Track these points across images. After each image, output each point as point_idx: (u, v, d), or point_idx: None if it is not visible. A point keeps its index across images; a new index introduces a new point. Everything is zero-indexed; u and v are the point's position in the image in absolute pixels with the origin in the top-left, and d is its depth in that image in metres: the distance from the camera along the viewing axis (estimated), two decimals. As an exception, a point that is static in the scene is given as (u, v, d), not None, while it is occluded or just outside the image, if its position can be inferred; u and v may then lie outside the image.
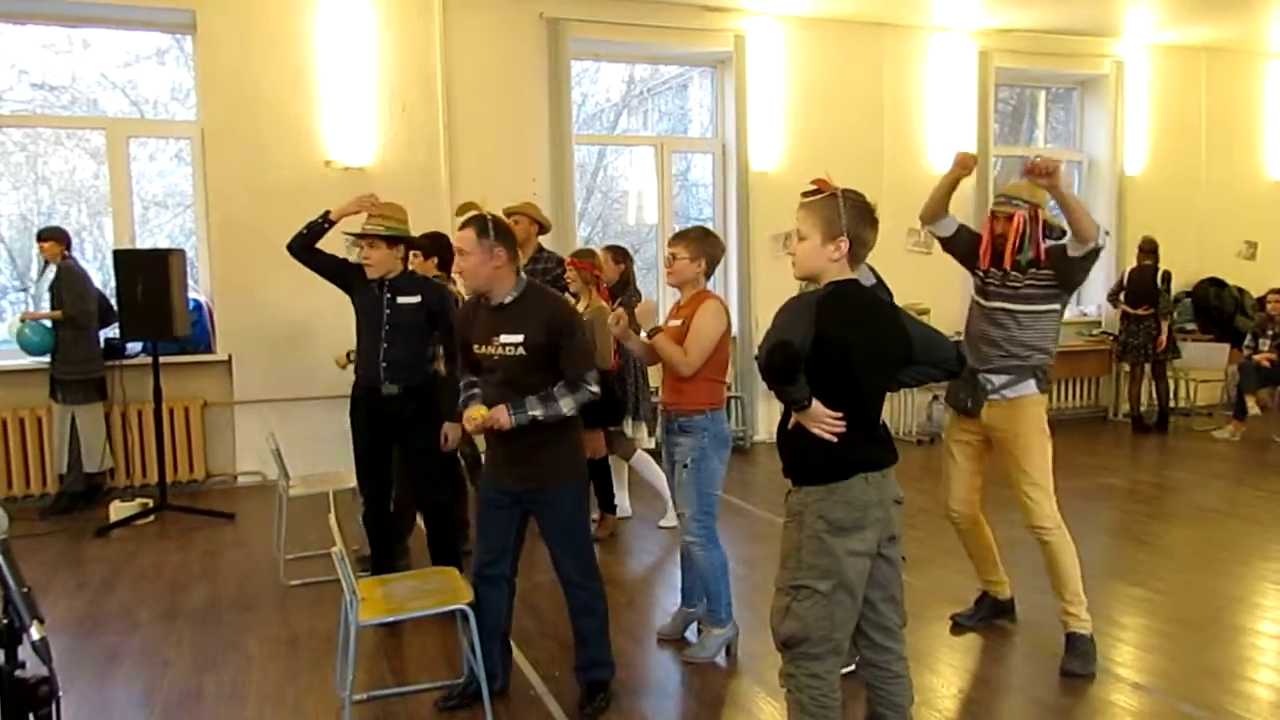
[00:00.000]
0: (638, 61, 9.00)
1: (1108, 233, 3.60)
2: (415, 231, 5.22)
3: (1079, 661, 3.58)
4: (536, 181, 7.38)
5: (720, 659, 3.76)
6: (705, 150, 8.61)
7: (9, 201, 7.35)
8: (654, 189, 8.43)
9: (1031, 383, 3.65)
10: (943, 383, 3.63)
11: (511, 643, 3.51)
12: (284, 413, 6.74)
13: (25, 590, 1.57)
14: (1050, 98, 10.28)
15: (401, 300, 4.10)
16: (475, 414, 3.11)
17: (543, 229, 6.02)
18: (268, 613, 4.38)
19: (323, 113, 6.95)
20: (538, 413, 3.07)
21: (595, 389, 3.12)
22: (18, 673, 1.56)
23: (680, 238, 3.66)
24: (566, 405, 3.10)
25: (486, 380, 3.25)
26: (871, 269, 2.82)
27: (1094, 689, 3.48)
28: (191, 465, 6.71)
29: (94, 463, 6.23)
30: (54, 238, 6.15)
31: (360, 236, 4.10)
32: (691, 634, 3.96)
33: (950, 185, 3.73)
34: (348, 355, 5.05)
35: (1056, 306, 3.66)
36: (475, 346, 3.23)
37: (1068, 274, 3.58)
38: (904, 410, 8.61)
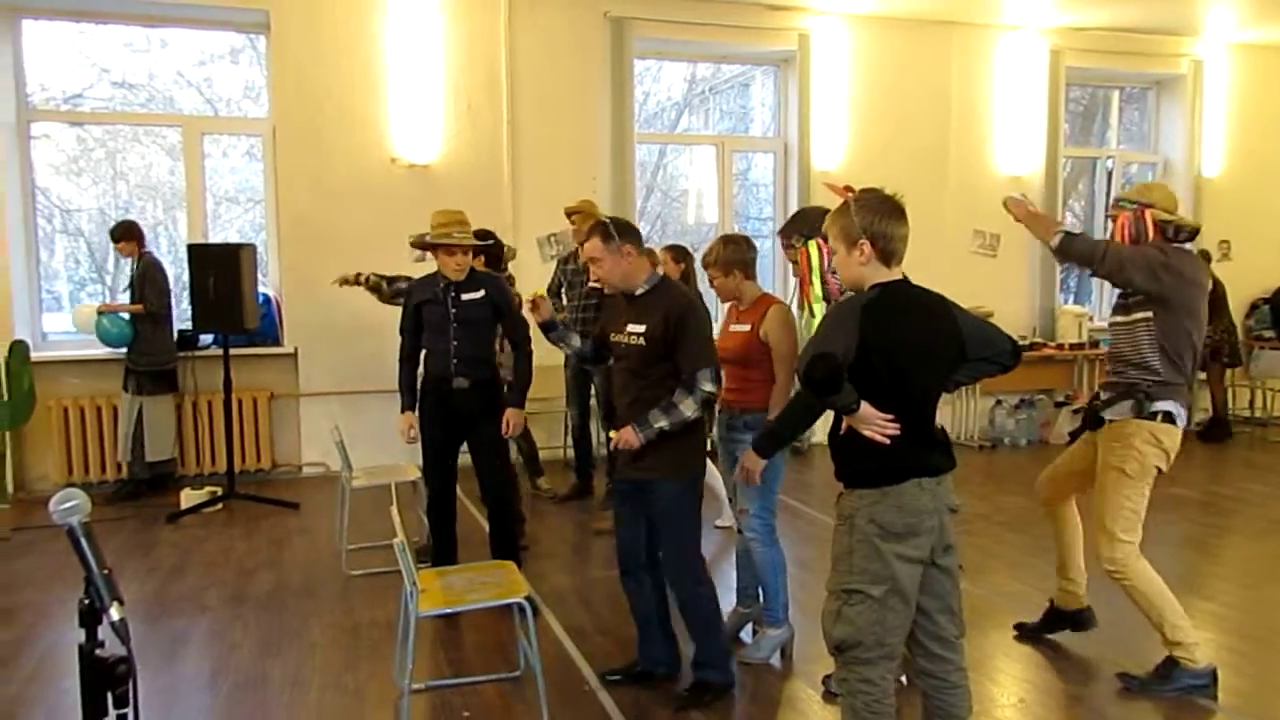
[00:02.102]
0: (701, 60, 8.99)
1: (1067, 231, 3.46)
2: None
3: (1158, 682, 3.45)
4: (597, 180, 7.41)
5: (775, 660, 3.74)
6: (767, 149, 8.56)
7: (89, 196, 7.61)
8: (714, 188, 8.41)
9: (1127, 405, 3.42)
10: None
11: (673, 631, 3.55)
12: (347, 405, 6.87)
13: (106, 572, 1.63)
14: (1124, 98, 10.02)
15: (466, 296, 4.20)
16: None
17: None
18: (330, 601, 4.47)
19: (389, 110, 7.06)
20: (663, 424, 3.16)
21: (709, 388, 3.15)
22: (97, 652, 1.62)
23: (707, 264, 3.73)
24: (689, 409, 3.16)
25: (617, 367, 3.40)
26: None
27: (1163, 705, 3.38)
28: (259, 455, 6.88)
29: (158, 451, 6.40)
30: (127, 236, 6.34)
31: (452, 246, 4.17)
32: (746, 634, 3.95)
33: (1037, 233, 3.65)
34: (357, 277, 5.13)
35: (1144, 315, 3.39)
36: (611, 334, 3.36)
37: (1115, 280, 3.46)
38: (965, 415, 8.46)
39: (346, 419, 6.08)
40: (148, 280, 6.27)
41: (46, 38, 6.99)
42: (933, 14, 8.14)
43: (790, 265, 3.58)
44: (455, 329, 4.20)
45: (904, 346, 2.36)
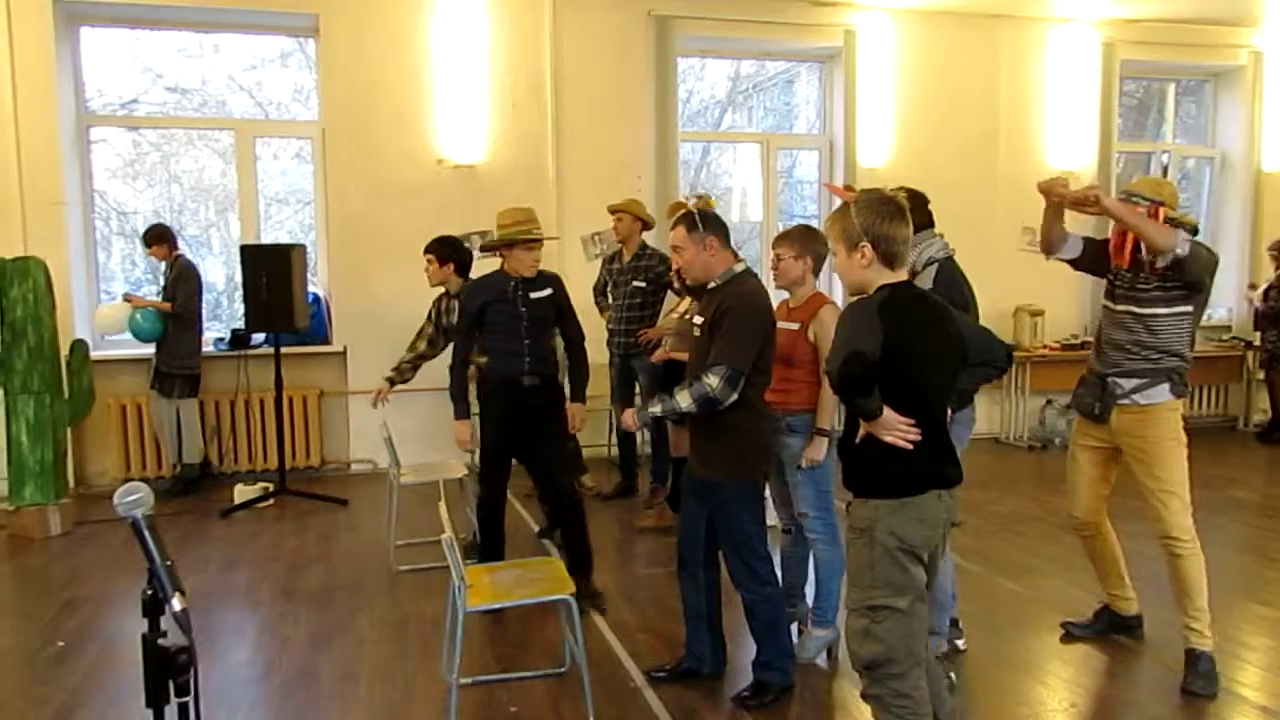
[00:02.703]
0: (745, 58, 8.95)
1: (1191, 239, 3.38)
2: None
3: (1201, 681, 3.41)
4: (641, 179, 7.43)
5: (821, 660, 3.72)
6: (811, 147, 8.51)
7: (144, 199, 7.76)
8: (758, 186, 8.38)
9: (1165, 387, 3.48)
10: (1075, 390, 3.55)
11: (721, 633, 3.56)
12: (395, 403, 6.88)
13: (169, 564, 1.67)
14: (1180, 90, 9.79)
15: (534, 295, 4.21)
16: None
17: (646, 226, 6.07)
18: (378, 596, 4.53)
19: (435, 112, 7.14)
20: (656, 410, 3.25)
21: (713, 382, 3.11)
22: (160, 641, 1.66)
23: (783, 238, 3.65)
24: (683, 400, 3.18)
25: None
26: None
27: (1217, 710, 3.31)
28: (308, 452, 6.99)
29: (194, 454, 6.52)
30: (159, 239, 6.48)
31: (529, 241, 4.18)
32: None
33: (1052, 216, 3.60)
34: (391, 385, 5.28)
35: (1186, 309, 3.46)
36: (694, 328, 3.40)
37: (1186, 278, 3.41)
38: (1015, 414, 8.34)
39: (394, 417, 6.13)
40: (181, 282, 6.41)
41: (104, 45, 7.17)
42: (981, 7, 8.02)
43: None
44: (526, 328, 4.19)
45: (921, 348, 2.32)
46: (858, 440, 2.38)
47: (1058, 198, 3.48)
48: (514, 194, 7.06)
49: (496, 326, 4.23)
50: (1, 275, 5.50)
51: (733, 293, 3.25)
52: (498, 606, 3.47)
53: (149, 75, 7.64)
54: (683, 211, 3.39)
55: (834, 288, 7.95)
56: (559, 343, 4.46)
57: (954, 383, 2.48)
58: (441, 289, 5.31)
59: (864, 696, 2.43)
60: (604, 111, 7.46)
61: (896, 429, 2.28)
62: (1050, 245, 3.70)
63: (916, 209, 3.08)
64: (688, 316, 3.97)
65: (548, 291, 4.26)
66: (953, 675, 3.05)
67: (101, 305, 6.64)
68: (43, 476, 5.57)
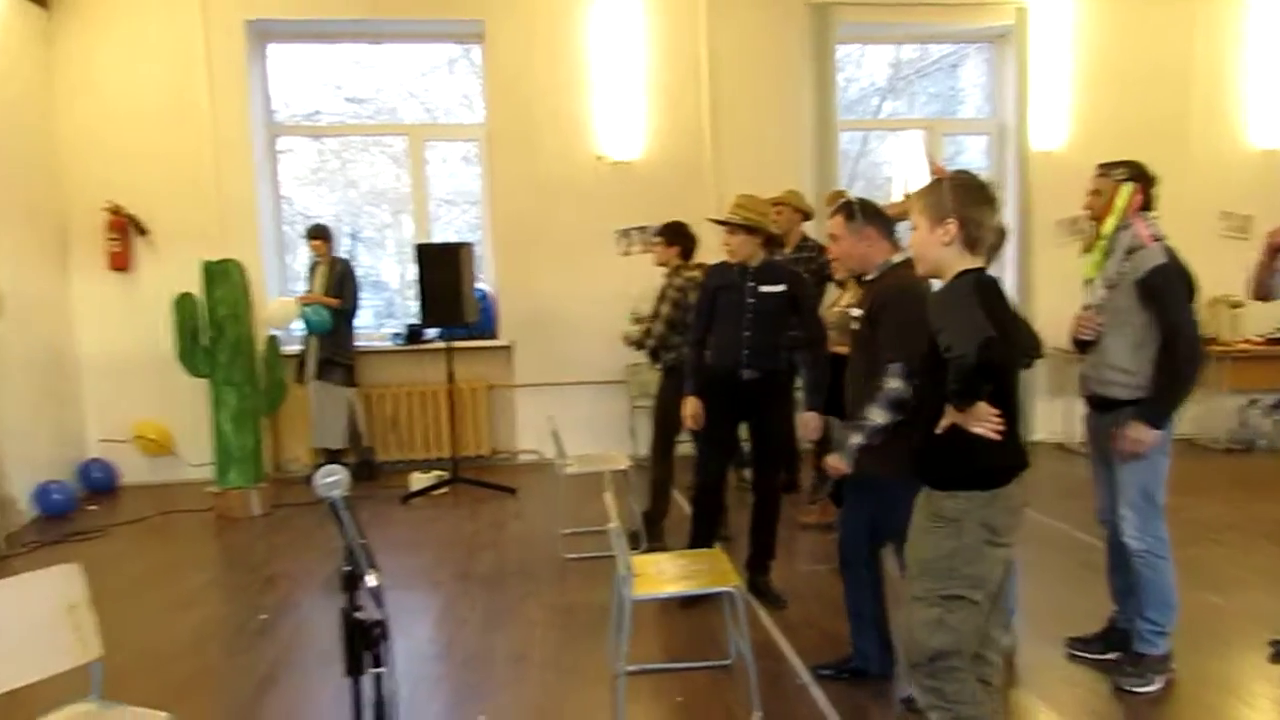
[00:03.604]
0: (907, 42, 8.68)
1: None
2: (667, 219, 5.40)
3: None
4: (800, 170, 7.32)
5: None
6: (980, 132, 8.16)
7: (325, 203, 8.27)
8: (923, 174, 8.11)
9: None
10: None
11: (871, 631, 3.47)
12: (559, 396, 7.14)
13: (363, 542, 1.78)
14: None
15: (765, 289, 4.15)
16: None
17: (806, 217, 5.98)
18: (547, 582, 4.67)
19: (594, 109, 7.27)
20: (858, 439, 3.11)
21: (895, 384, 3.03)
22: (357, 614, 1.77)
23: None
24: (876, 415, 3.07)
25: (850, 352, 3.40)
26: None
27: None
28: (478, 442, 7.27)
29: (337, 439, 6.85)
30: (323, 236, 6.86)
31: (720, 223, 4.21)
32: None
33: (1269, 262, 3.35)
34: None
35: None
36: (852, 321, 3.36)
37: None
38: (1211, 415, 7.73)
39: (558, 408, 6.32)
40: (347, 280, 6.77)
41: (289, 60, 7.67)
42: (1171, -23, 7.48)
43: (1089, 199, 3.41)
44: (749, 319, 4.15)
45: (1009, 334, 2.26)
46: (939, 431, 2.31)
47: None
48: (671, 188, 7.15)
49: (722, 314, 4.23)
50: (206, 277, 5.99)
51: (889, 285, 3.18)
52: (663, 596, 3.51)
53: (329, 87, 8.12)
54: (842, 200, 3.34)
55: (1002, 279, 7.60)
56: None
57: (1020, 369, 2.47)
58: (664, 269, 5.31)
59: (920, 693, 2.40)
60: (761, 102, 7.40)
61: (987, 420, 2.22)
62: (1265, 291, 3.43)
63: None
64: (847, 309, 3.88)
65: (781, 287, 4.13)
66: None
67: (269, 302, 7.03)
68: (244, 462, 6.04)
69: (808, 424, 4.04)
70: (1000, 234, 3.61)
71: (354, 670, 1.76)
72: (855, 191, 10.25)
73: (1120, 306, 3.24)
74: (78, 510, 6.22)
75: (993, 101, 7.98)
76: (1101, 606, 3.65)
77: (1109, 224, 3.26)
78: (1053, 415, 7.62)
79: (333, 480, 1.80)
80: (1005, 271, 7.60)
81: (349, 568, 1.77)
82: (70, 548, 5.38)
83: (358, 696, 1.78)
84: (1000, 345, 2.11)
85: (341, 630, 1.79)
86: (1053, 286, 7.20)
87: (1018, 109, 7.58)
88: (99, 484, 6.72)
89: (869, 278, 3.27)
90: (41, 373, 6.37)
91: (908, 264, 3.23)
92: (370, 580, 1.74)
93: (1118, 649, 3.51)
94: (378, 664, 1.76)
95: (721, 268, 4.30)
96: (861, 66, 10.07)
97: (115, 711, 2.43)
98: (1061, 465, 7.02)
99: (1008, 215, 7.62)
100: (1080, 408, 3.60)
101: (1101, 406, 3.37)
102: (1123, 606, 3.54)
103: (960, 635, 2.29)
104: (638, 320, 5.58)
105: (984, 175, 2.71)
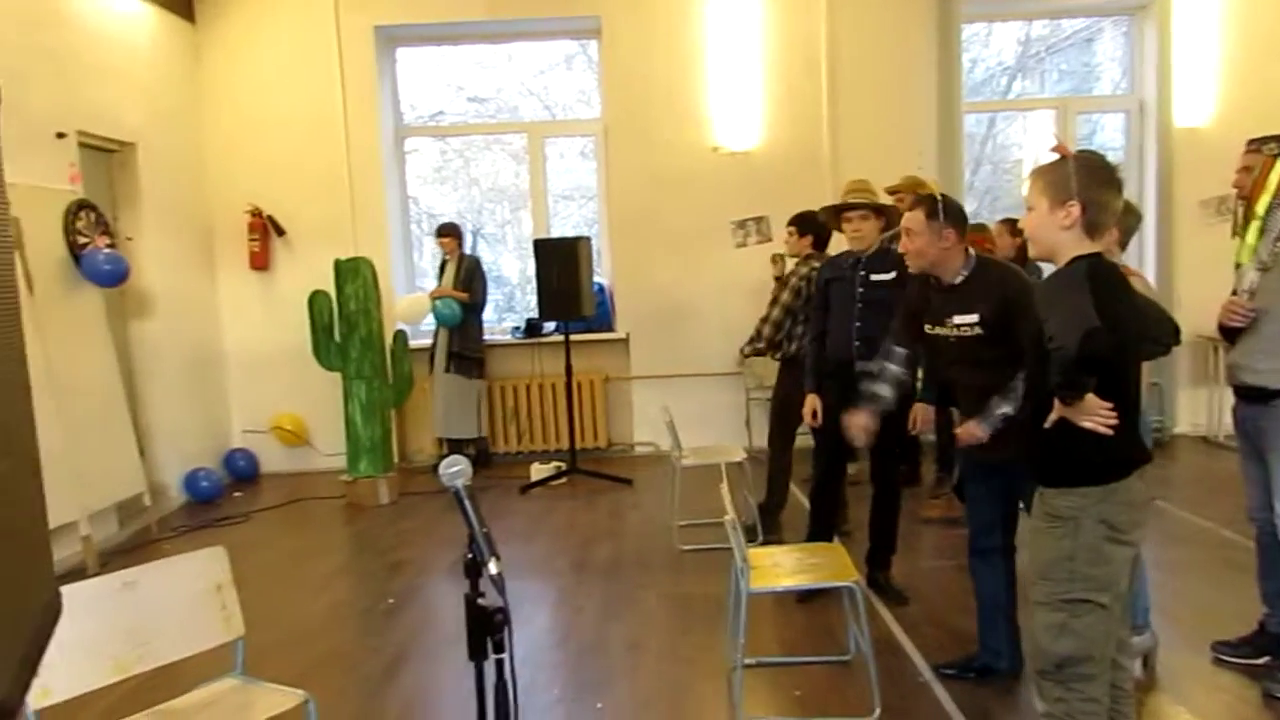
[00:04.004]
0: (1038, 18, 8.31)
1: None
2: (791, 210, 5.31)
3: None
4: (923, 154, 7.11)
5: (1136, 669, 3.40)
6: (1117, 109, 7.76)
7: (448, 201, 8.50)
8: (1045, 152, 7.75)
9: None
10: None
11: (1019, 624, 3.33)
12: (675, 388, 7.16)
13: (485, 530, 1.82)
14: None
15: (875, 277, 4.10)
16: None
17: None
18: (663, 573, 4.69)
19: (710, 100, 7.24)
20: (1006, 409, 3.00)
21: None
22: (479, 601, 1.82)
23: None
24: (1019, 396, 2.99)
25: (939, 361, 3.29)
26: None
27: None
28: (596, 434, 7.36)
29: (474, 430, 7.06)
30: (452, 234, 7.04)
31: (851, 208, 4.16)
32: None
33: None
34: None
35: None
36: (927, 327, 3.23)
37: None
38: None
39: (673, 401, 6.31)
40: (476, 276, 6.94)
41: (416, 62, 7.92)
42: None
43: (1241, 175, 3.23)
44: (860, 309, 4.11)
45: (1125, 323, 2.14)
46: (1047, 425, 2.21)
47: None
48: (788, 178, 7.06)
49: (835, 306, 4.20)
50: (338, 274, 6.25)
51: (1010, 279, 3.08)
52: (779, 589, 3.48)
53: (452, 88, 8.34)
54: (924, 194, 3.26)
55: (1143, 263, 7.23)
56: None
57: (1140, 359, 2.36)
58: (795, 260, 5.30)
59: (1043, 702, 2.28)
60: (882, 87, 7.22)
61: (1097, 414, 2.11)
62: None
63: None
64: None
65: (891, 274, 4.04)
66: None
67: (400, 297, 7.28)
68: (373, 452, 6.29)
69: (919, 415, 3.95)
70: (1137, 217, 3.45)
71: (477, 655, 1.81)
72: (982, 177, 9.93)
73: (1275, 290, 3.03)
74: (224, 497, 6.60)
75: (1131, 77, 7.58)
76: (1250, 608, 3.43)
77: (1262, 202, 3.05)
78: (1196, 407, 7.21)
79: (456, 470, 1.85)
80: (1145, 255, 7.22)
81: (471, 555, 1.82)
82: (216, 532, 5.72)
83: (481, 680, 1.83)
84: (1105, 336, 1.99)
85: (466, 616, 1.84)
86: (1196, 271, 6.81)
87: (1159, 84, 7.17)
88: (243, 472, 7.12)
89: (958, 281, 3.14)
90: (191, 367, 6.78)
91: (986, 260, 3.19)
92: (492, 568, 1.79)
93: (1268, 653, 3.30)
94: (499, 650, 1.80)
95: (836, 260, 4.27)
96: (989, 45, 9.70)
97: (257, 688, 2.57)
98: (1205, 459, 6.64)
99: (1148, 196, 7.23)
100: (1228, 398, 3.39)
101: (1253, 397, 3.16)
102: (1274, 609, 3.33)
103: (1088, 641, 2.18)
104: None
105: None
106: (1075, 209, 2.16)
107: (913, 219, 3.17)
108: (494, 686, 1.81)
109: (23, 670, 0.93)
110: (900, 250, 3.37)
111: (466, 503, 1.82)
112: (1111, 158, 2.34)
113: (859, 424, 3.49)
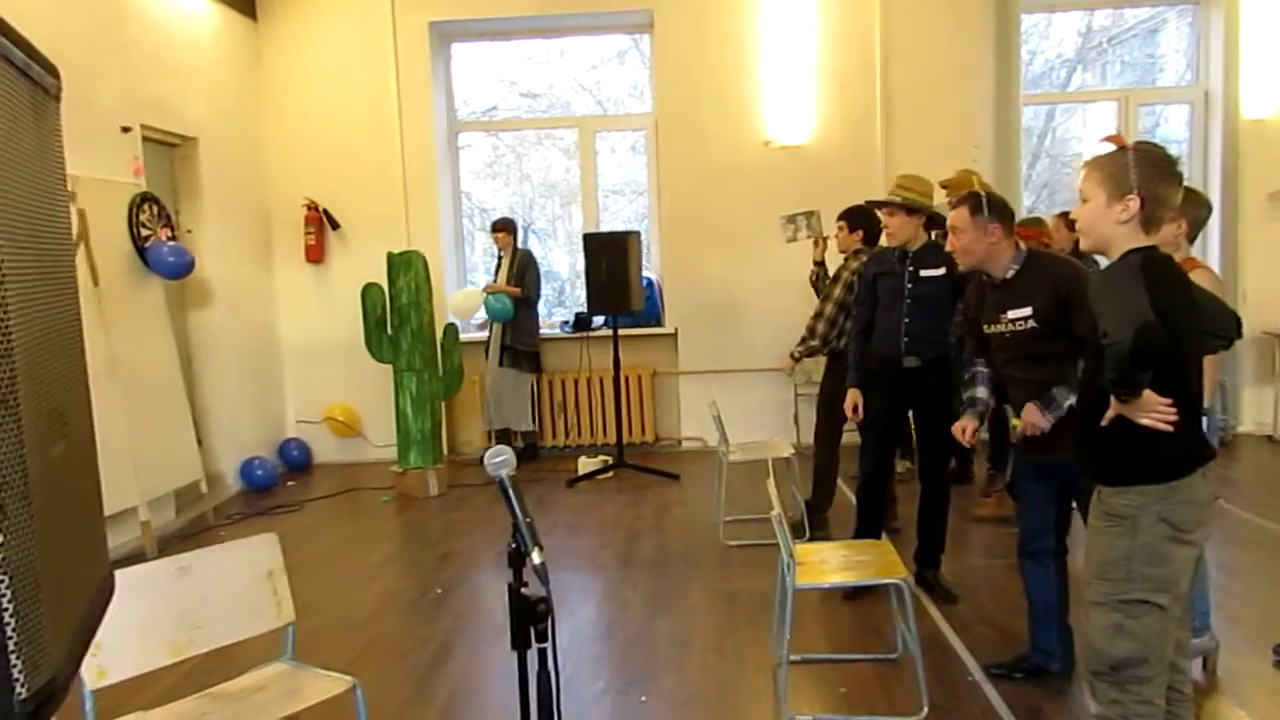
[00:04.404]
0: (1100, 7, 8.12)
1: None
2: (843, 206, 5.24)
3: None
4: (979, 148, 6.98)
5: (1196, 671, 3.32)
6: (1181, 100, 7.55)
7: (500, 196, 8.56)
8: (1102, 144, 7.56)
9: None
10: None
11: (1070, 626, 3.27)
12: (723, 383, 7.13)
13: (529, 520, 1.83)
14: None
15: (924, 273, 4.05)
16: (1014, 422, 3.13)
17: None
18: (709, 568, 4.68)
19: (762, 94, 7.19)
20: (1070, 400, 2.94)
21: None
22: (523, 590, 1.83)
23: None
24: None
25: (997, 358, 3.22)
26: None
27: None
28: (643, 428, 7.37)
29: (528, 422, 7.15)
30: (507, 229, 7.11)
31: (879, 204, 4.13)
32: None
33: None
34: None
35: None
36: (985, 326, 3.19)
37: None
38: None
39: (721, 396, 6.29)
40: (529, 270, 7.00)
41: (470, 58, 7.98)
42: None
43: None
44: (909, 305, 4.06)
45: (1183, 317, 2.08)
46: (1104, 423, 2.16)
47: None
48: (840, 172, 6.98)
49: (883, 301, 4.16)
50: (390, 267, 6.33)
51: (1060, 270, 3.03)
52: (826, 586, 3.46)
53: (506, 83, 8.39)
54: (968, 191, 3.21)
55: (1207, 256, 7.03)
56: None
57: (1202, 353, 2.29)
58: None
59: (1096, 704, 2.23)
60: (937, 80, 7.11)
61: (1155, 410, 2.05)
62: None
63: None
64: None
65: (941, 270, 4.00)
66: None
67: (455, 291, 7.37)
68: (423, 444, 6.36)
69: (968, 426, 3.87)
70: (1207, 209, 3.35)
71: (519, 644, 1.82)
72: (1040, 171, 9.73)
73: None
74: (278, 486, 6.73)
75: (1195, 67, 7.36)
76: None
77: None
78: (1262, 404, 6.99)
79: (501, 460, 1.87)
80: (1210, 249, 7.02)
81: (515, 545, 1.83)
82: (270, 520, 5.83)
83: (523, 669, 1.85)
84: (1159, 330, 1.94)
85: (509, 605, 1.85)
86: (1263, 265, 6.63)
87: (1226, 74, 6.97)
88: (296, 462, 7.26)
89: (1009, 276, 3.09)
90: (248, 358, 6.92)
91: (1037, 252, 3.14)
92: (535, 558, 1.80)
93: None
94: (542, 640, 1.81)
95: (883, 254, 4.24)
96: (1048, 37, 9.50)
97: (306, 673, 2.61)
98: (1270, 459, 6.45)
99: (1213, 189, 7.03)
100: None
101: None
102: None
103: (1145, 643, 2.13)
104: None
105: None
106: (1134, 203, 2.11)
107: (957, 216, 3.15)
108: (536, 676, 1.82)
109: (75, 647, 0.96)
110: (948, 249, 3.33)
111: (511, 492, 1.83)
112: (1174, 150, 2.27)
113: (965, 429, 3.45)
